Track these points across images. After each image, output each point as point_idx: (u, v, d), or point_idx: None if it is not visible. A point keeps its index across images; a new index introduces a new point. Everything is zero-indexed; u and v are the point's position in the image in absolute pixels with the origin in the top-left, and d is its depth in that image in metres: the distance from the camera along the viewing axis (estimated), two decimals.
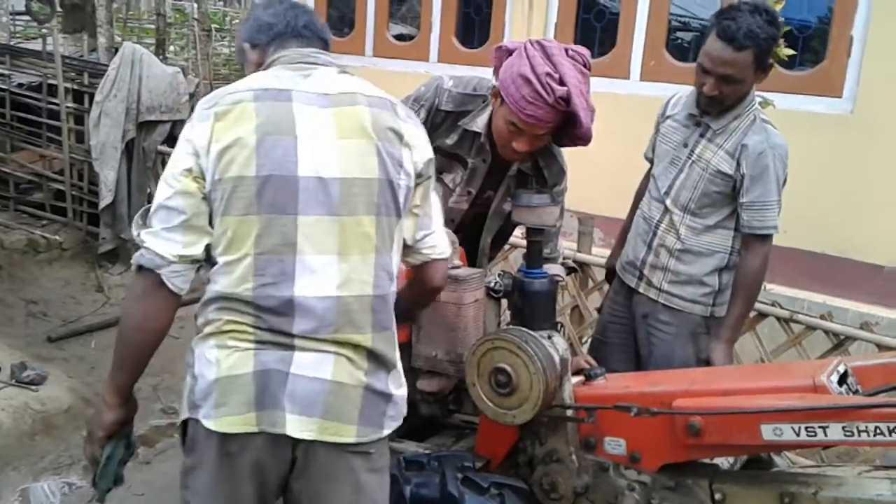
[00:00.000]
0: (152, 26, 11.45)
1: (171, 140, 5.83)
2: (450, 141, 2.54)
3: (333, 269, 1.65)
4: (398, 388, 1.78)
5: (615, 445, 2.16)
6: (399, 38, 6.83)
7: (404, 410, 1.82)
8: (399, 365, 1.81)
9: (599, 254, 3.91)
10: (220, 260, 1.65)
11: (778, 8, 3.61)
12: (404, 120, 1.78)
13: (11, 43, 8.57)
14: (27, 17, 12.66)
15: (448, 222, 2.63)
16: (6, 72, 6.39)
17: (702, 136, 2.66)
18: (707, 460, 2.18)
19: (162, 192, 1.64)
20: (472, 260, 2.59)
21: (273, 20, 1.83)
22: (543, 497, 2.22)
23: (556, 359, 2.10)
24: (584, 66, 2.31)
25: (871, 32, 4.67)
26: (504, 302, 2.49)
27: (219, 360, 1.63)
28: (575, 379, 2.25)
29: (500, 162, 2.52)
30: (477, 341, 2.15)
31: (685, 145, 2.70)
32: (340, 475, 1.70)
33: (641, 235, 2.79)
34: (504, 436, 2.26)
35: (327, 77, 1.76)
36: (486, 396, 2.12)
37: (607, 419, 2.12)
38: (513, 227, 2.78)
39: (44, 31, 7.09)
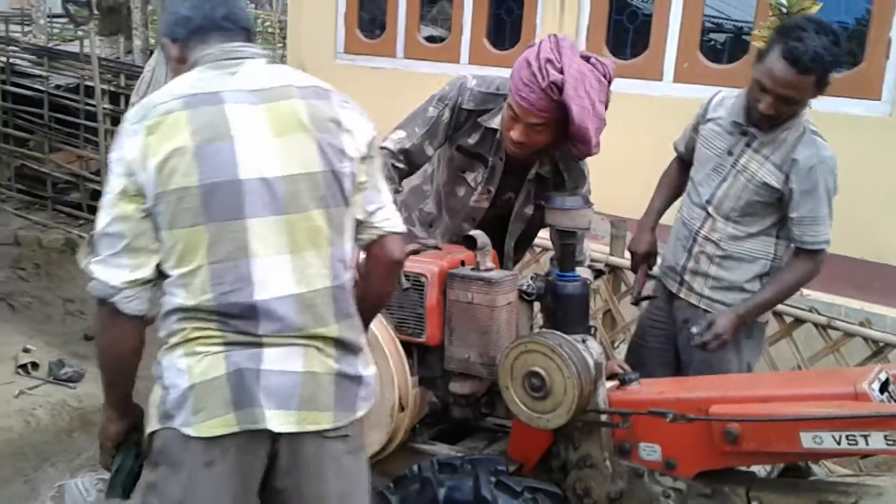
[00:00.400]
0: None
1: None
2: (472, 140, 2.55)
3: (289, 268, 1.66)
4: (367, 368, 1.80)
5: (650, 451, 2.14)
6: (430, 39, 6.84)
7: (375, 389, 1.85)
8: (366, 347, 1.83)
9: None
10: (174, 273, 1.63)
11: (815, 10, 3.56)
12: (341, 106, 1.76)
13: (49, 45, 8.72)
14: (64, 20, 12.84)
15: (469, 221, 2.64)
16: (44, 73, 6.51)
17: (747, 145, 2.60)
18: (744, 468, 2.15)
19: (101, 220, 1.62)
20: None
21: (190, 13, 1.76)
22: (577, 502, 2.20)
23: (591, 363, 2.09)
24: (604, 75, 2.32)
25: None
26: (536, 305, 2.48)
27: (190, 367, 1.62)
28: (609, 384, 2.24)
29: (517, 161, 2.52)
30: (510, 344, 2.15)
31: (730, 153, 2.63)
32: (324, 464, 1.72)
33: (682, 241, 2.75)
34: (537, 440, 2.25)
35: (256, 71, 1.73)
36: (519, 400, 2.11)
37: (642, 425, 2.10)
38: (536, 230, 2.77)
39: (80, 33, 7.20)
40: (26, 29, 12.17)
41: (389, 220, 1.84)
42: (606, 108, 2.38)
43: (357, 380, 1.76)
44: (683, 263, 2.73)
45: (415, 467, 2.26)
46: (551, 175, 2.57)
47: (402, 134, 2.55)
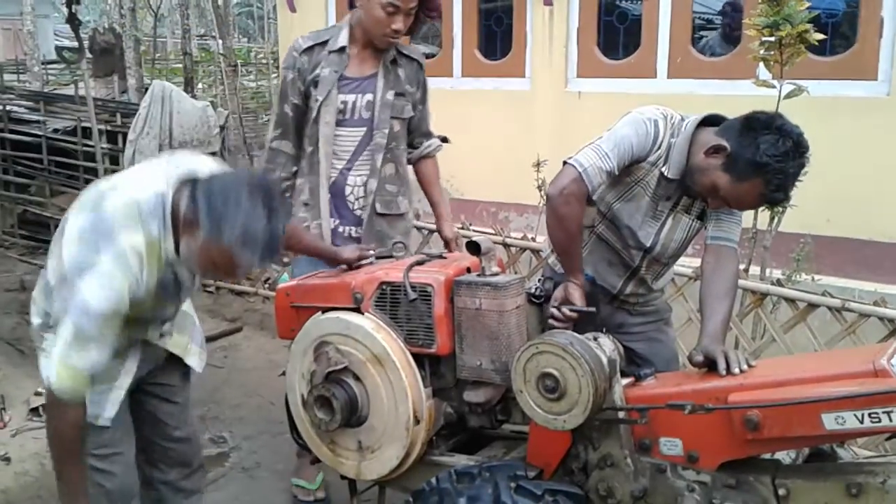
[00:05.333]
0: (180, 65, 11.64)
1: None
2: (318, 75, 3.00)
3: None
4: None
5: (671, 446, 2.10)
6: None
7: None
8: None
9: None
10: None
11: None
12: None
13: (45, 90, 8.78)
14: (60, 66, 12.99)
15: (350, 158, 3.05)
16: (41, 118, 6.54)
17: (686, 192, 2.45)
18: (768, 455, 2.11)
19: None
20: None
21: None
22: (601, 503, 2.16)
23: (604, 360, 2.06)
24: None
25: None
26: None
27: None
28: (624, 380, 2.20)
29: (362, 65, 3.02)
30: (521, 347, 2.12)
31: (668, 199, 2.47)
32: None
33: (615, 267, 2.59)
34: (556, 443, 2.21)
35: None
36: (534, 403, 2.08)
37: (661, 419, 2.06)
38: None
39: (75, 77, 7.26)
40: (22, 77, 12.29)
41: None
42: None
43: None
44: (620, 288, 2.62)
45: (433, 480, 2.23)
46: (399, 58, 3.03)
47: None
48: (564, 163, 2.34)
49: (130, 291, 1.94)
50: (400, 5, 2.83)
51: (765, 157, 2.15)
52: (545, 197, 2.36)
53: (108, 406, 2.24)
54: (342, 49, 2.92)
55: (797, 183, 2.25)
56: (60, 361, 1.91)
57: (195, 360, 2.52)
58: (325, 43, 2.96)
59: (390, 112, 3.01)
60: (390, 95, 3.01)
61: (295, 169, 3.11)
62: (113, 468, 2.31)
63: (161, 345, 2.38)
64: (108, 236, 1.93)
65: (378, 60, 2.99)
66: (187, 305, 2.46)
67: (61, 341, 1.91)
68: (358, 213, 3.08)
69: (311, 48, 2.97)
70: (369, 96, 2.99)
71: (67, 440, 1.99)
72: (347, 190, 3.05)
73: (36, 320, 2.24)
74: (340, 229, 3.07)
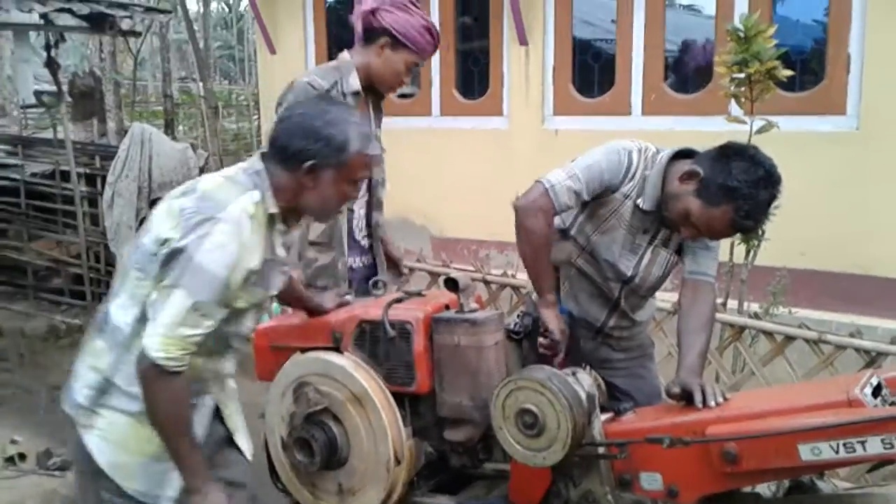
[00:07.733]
0: (160, 108, 11.68)
1: None
2: None
3: None
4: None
5: (651, 481, 2.10)
6: (402, 97, 6.93)
7: None
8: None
9: None
10: None
11: (770, 33, 3.64)
12: None
13: (23, 134, 8.76)
14: (38, 110, 12.98)
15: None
16: (19, 162, 6.51)
17: (661, 224, 2.47)
18: (748, 489, 2.11)
19: None
20: None
21: None
22: None
23: (583, 395, 2.06)
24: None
25: (868, 48, 4.69)
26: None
27: None
28: (604, 416, 2.21)
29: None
30: (500, 383, 2.12)
31: (645, 231, 2.48)
32: None
33: (597, 300, 2.61)
34: (537, 480, 2.21)
35: None
36: (514, 439, 2.08)
37: (641, 454, 2.07)
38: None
39: (54, 121, 7.26)
40: (0, 122, 12.26)
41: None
42: None
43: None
44: (604, 321, 2.63)
45: None
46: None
47: None
48: (536, 182, 2.39)
49: (243, 262, 1.88)
50: (421, 64, 2.97)
51: (735, 182, 2.18)
52: (514, 210, 2.39)
53: (172, 484, 1.95)
54: (357, 93, 2.94)
55: (769, 216, 2.28)
56: (168, 332, 1.79)
57: (244, 442, 2.16)
58: (333, 84, 2.95)
59: (380, 147, 3.11)
60: (378, 132, 3.12)
61: None
62: None
63: (223, 399, 2.11)
64: (217, 207, 1.86)
65: (367, 99, 3.06)
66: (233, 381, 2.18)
67: (171, 312, 1.79)
68: (363, 243, 3.14)
69: (328, 90, 2.92)
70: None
71: (179, 415, 1.85)
72: (354, 222, 3.09)
73: (86, 392, 1.96)
74: (351, 261, 3.09)
